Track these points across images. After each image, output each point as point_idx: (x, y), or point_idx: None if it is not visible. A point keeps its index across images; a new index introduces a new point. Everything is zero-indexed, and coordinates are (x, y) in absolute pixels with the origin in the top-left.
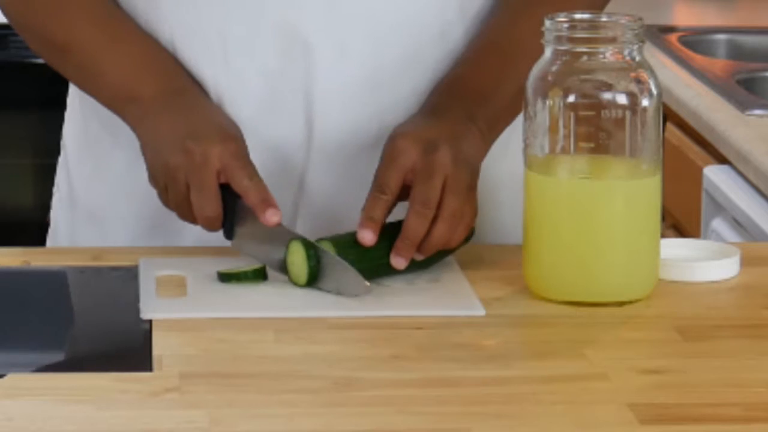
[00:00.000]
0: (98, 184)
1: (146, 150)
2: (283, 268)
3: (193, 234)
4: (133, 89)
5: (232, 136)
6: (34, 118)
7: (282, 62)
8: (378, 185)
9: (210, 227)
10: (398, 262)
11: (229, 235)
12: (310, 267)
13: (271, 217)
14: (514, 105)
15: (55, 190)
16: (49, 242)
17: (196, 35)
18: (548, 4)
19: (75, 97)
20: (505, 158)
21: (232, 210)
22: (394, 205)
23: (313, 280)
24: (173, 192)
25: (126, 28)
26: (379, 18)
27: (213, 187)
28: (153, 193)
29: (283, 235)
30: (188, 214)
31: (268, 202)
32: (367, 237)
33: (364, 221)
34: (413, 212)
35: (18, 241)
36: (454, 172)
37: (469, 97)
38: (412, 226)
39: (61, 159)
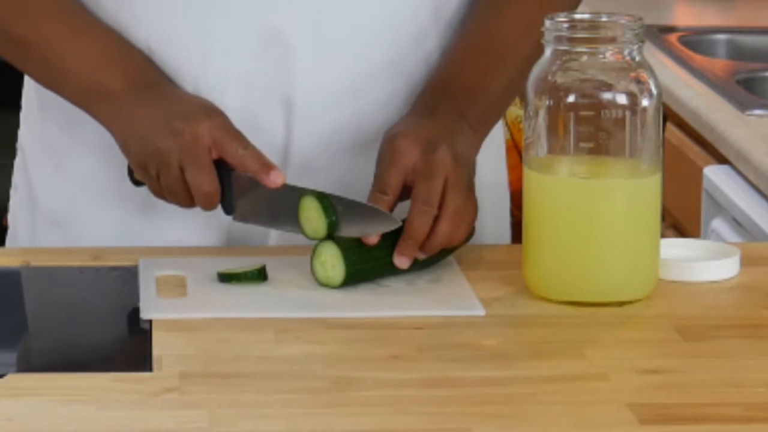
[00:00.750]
0: (60, 186)
1: (128, 142)
2: (294, 227)
3: (159, 238)
4: (101, 84)
5: (216, 111)
6: None
7: (263, 65)
8: (379, 186)
9: (208, 205)
10: (402, 261)
11: (228, 210)
12: (328, 218)
13: (276, 179)
14: (501, 101)
15: (12, 191)
16: (8, 245)
17: (173, 38)
18: (527, 3)
19: (32, 97)
20: (485, 158)
21: (228, 184)
22: (395, 205)
23: (333, 230)
24: (167, 177)
25: (90, 23)
26: (361, 22)
27: (208, 162)
28: (118, 195)
29: (289, 194)
30: (184, 198)
31: (269, 166)
32: (371, 237)
33: None
34: (416, 211)
35: None
36: (454, 171)
37: (459, 95)
38: (416, 225)
39: (18, 160)
